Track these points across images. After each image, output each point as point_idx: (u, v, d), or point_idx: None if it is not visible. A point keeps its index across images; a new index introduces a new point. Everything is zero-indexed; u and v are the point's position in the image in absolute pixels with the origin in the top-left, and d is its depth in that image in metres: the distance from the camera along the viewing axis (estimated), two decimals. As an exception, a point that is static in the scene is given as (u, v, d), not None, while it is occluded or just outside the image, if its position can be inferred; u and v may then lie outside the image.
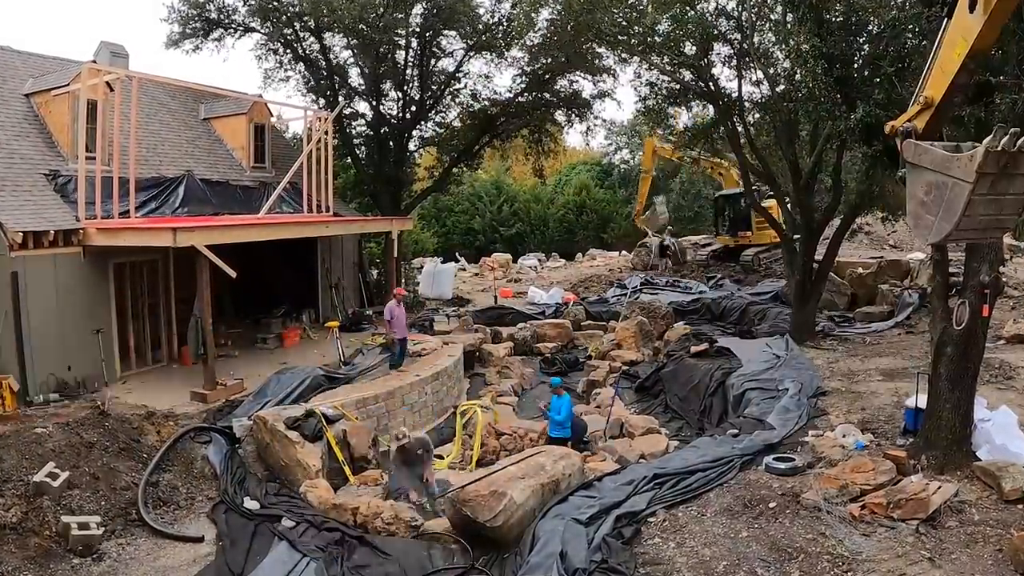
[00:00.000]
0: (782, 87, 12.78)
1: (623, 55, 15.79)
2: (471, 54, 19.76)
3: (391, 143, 20.67)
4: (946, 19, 5.22)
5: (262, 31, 18.85)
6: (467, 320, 17.07)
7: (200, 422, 9.97)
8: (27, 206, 10.80)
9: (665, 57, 13.83)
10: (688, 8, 13.00)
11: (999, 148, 4.26)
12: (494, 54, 19.64)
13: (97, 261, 11.38)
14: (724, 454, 8.22)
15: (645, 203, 27.09)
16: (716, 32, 13.31)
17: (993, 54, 10.65)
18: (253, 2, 17.89)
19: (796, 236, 14.22)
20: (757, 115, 14.96)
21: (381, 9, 17.06)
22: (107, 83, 12.16)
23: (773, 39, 13.23)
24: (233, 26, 18.61)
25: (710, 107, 15.50)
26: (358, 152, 21.34)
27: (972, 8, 4.72)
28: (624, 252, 30.21)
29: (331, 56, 19.58)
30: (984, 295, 7.34)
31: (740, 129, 14.59)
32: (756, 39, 13.31)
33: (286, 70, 19.91)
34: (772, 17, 13.04)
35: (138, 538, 7.53)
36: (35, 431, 8.40)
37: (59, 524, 7.10)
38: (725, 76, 15.99)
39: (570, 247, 35.76)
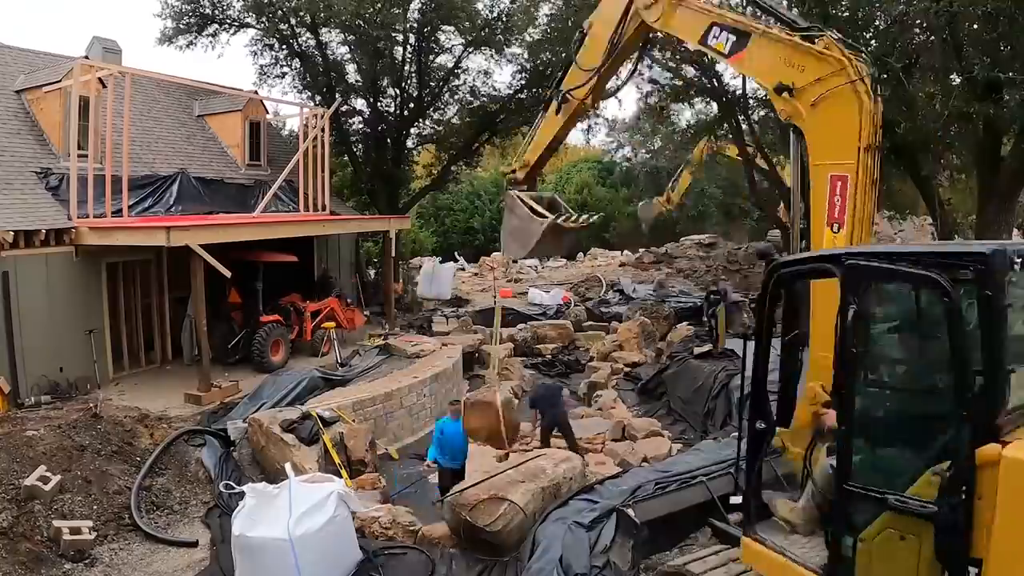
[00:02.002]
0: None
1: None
2: (470, 50, 19.56)
3: (389, 141, 20.49)
4: (542, 111, 7.59)
5: (257, 26, 18.65)
6: (466, 321, 16.91)
7: (194, 425, 9.85)
8: (18, 205, 10.67)
9: (668, 53, 13.66)
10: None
11: (556, 223, 7.24)
12: (493, 50, 19.45)
13: (89, 261, 11.24)
14: (728, 457, 8.07)
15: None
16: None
17: (1001, 50, 10.57)
18: (248, -3, 17.74)
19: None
20: (762, 112, 14.81)
21: (379, 4, 16.86)
22: (100, 79, 12.00)
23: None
24: (228, 21, 18.41)
25: (713, 104, 15.36)
26: (355, 150, 21.15)
27: (558, 112, 7.28)
28: (626, 252, 30.04)
29: (328, 52, 19.37)
30: None
31: (744, 126, 14.43)
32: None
33: (282, 66, 19.72)
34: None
35: (131, 543, 7.41)
36: (26, 434, 8.25)
37: (51, 529, 6.98)
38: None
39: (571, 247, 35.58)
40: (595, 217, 9.00)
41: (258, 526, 6.19)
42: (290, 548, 6.04)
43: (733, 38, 5.70)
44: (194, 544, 7.51)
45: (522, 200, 7.60)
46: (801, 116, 5.08)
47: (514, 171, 7.83)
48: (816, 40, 5.15)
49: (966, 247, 3.91)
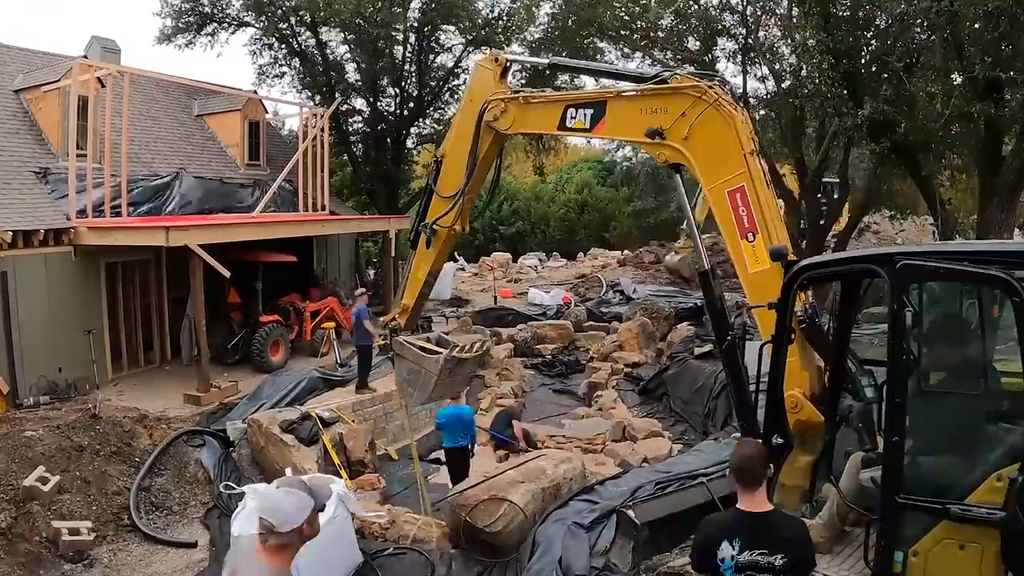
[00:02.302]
0: (788, 83, 12.60)
1: (626, 50, 15.62)
2: (470, 49, 19.52)
3: (389, 140, 20.45)
4: (412, 250, 7.45)
5: (257, 25, 18.63)
6: (466, 321, 16.87)
7: (193, 425, 9.82)
8: (16, 205, 10.64)
9: (669, 52, 13.65)
10: (692, 2, 12.83)
11: (452, 356, 6.83)
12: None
13: (88, 261, 11.20)
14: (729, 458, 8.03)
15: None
16: (720, 27, 13.15)
17: (1003, 49, 10.54)
18: (248, -4, 17.70)
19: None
20: (762, 112, 14.80)
21: (379, 3, 16.82)
22: (98, 79, 11.97)
23: (778, 34, 13.07)
24: (227, 20, 18.38)
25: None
26: (355, 150, 21.11)
27: (428, 246, 7.10)
28: (626, 251, 30.00)
29: (327, 51, 19.35)
30: None
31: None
32: (761, 34, 13.15)
33: (281, 66, 19.70)
34: (777, 11, 12.87)
35: (130, 544, 7.39)
36: (25, 434, 8.22)
37: (49, 529, 6.96)
38: (730, 72, 15.90)
39: (571, 246, 35.53)
40: (486, 344, 8.74)
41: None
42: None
43: (590, 111, 5.73)
44: (193, 545, 7.49)
45: (410, 343, 7.26)
46: (679, 153, 5.12)
47: (394, 319, 7.65)
48: (669, 80, 5.24)
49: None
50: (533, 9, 18.01)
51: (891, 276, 3.45)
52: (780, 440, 4.15)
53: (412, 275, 7.53)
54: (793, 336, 4.18)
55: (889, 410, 3.55)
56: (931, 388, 3.75)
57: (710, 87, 4.99)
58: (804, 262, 4.28)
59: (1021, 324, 3.12)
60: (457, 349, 7.07)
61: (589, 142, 41.80)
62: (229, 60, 69.94)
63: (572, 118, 5.86)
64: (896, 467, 3.41)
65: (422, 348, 7.20)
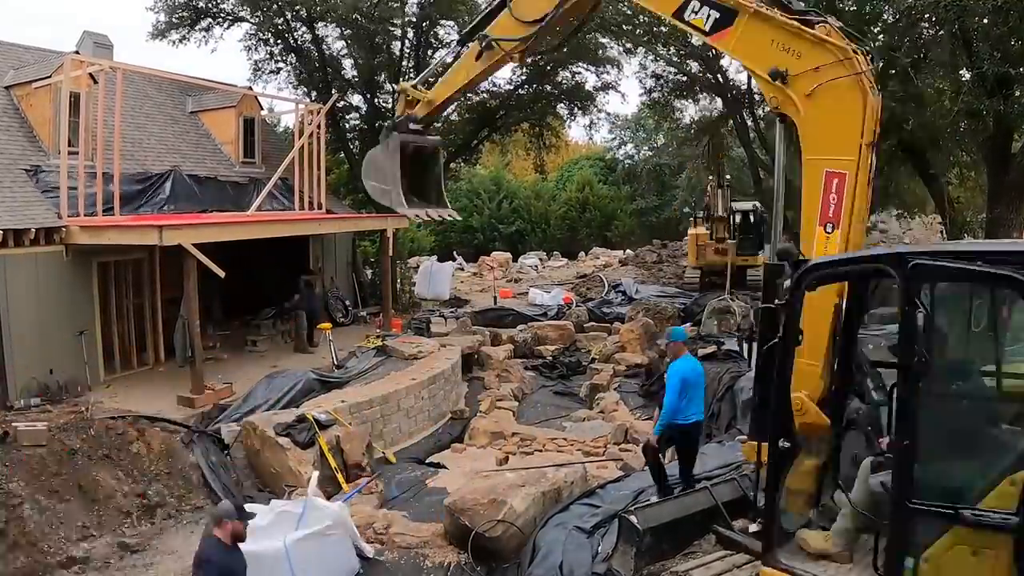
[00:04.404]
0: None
1: (628, 45, 15.41)
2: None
3: (387, 138, 20.23)
4: (461, 48, 6.98)
5: (252, 20, 18.40)
6: (465, 322, 16.70)
7: (187, 427, 9.62)
8: (7, 203, 10.48)
9: (672, 47, 13.44)
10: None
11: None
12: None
13: (80, 260, 11.04)
14: (733, 460, 7.89)
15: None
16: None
17: (1012, 45, 10.37)
18: (243, -11, 17.49)
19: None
20: (767, 108, 14.57)
21: (376, -2, 16.63)
22: (91, 75, 11.78)
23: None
24: (222, 15, 18.17)
25: (718, 100, 15.15)
26: (352, 147, 20.91)
27: (478, 58, 6.61)
28: (628, 251, 29.85)
29: (324, 47, 19.13)
30: None
31: (750, 123, 14.21)
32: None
33: (277, 61, 19.49)
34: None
35: (125, 550, 7.28)
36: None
37: (40, 534, 6.82)
38: (734, 67, 15.68)
39: (572, 245, 35.36)
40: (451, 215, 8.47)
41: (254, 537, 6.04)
42: (285, 556, 6.01)
43: (716, 15, 5.11)
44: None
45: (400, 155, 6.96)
46: (795, 107, 4.69)
47: (414, 101, 6.93)
48: (815, 25, 4.74)
49: None
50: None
51: (903, 277, 3.36)
52: (787, 444, 4.02)
53: (451, 77, 7.08)
54: (801, 337, 4.03)
55: (899, 413, 3.48)
56: (942, 390, 3.66)
57: (857, 53, 4.54)
58: (813, 262, 4.13)
59: None
60: (427, 211, 7.40)
61: (591, 138, 41.66)
62: (224, 56, 69.50)
63: (694, 12, 5.25)
64: (906, 471, 3.35)
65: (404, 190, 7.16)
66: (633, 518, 5.89)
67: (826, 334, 4.57)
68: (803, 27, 4.78)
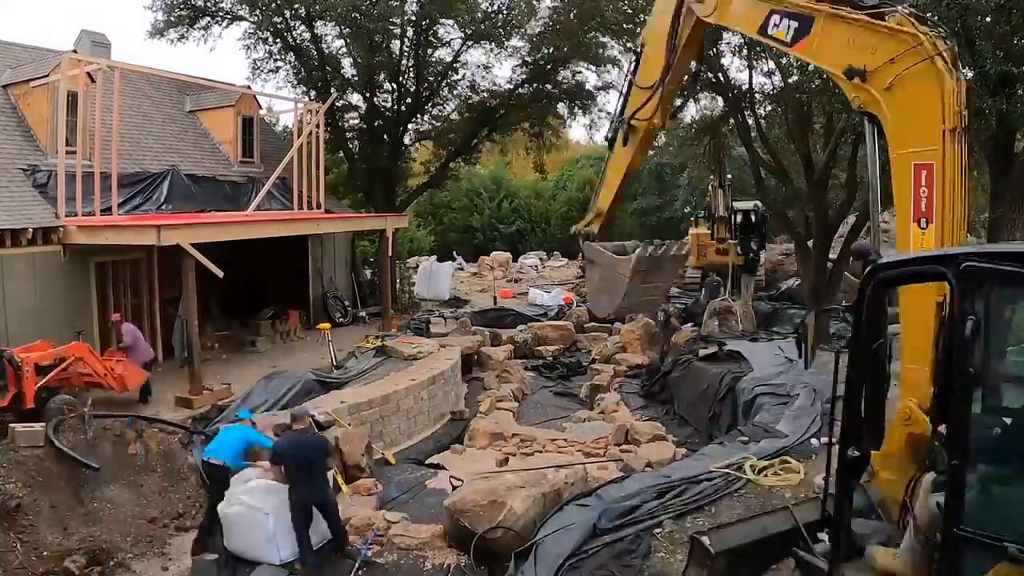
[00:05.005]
0: (795, 78, 12.34)
1: (629, 44, 15.34)
2: (469, 43, 19.24)
3: (386, 137, 20.18)
4: (609, 152, 7.37)
5: (251, 19, 18.31)
6: (465, 322, 16.64)
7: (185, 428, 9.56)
8: (4, 202, 10.49)
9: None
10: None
11: (647, 255, 6.78)
12: (493, 43, 19.12)
13: (78, 260, 11.02)
14: (734, 462, 7.85)
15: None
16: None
17: (1015, 44, 10.29)
18: (242, -12, 17.41)
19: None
20: (768, 107, 14.56)
21: (376, -3, 16.55)
22: (88, 74, 11.74)
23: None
24: (220, 14, 18.07)
25: (719, 99, 15.09)
26: (351, 146, 20.84)
27: (625, 143, 7.02)
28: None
29: (323, 46, 19.04)
30: None
31: (751, 122, 14.16)
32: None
33: (275, 60, 19.38)
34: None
35: (124, 550, 7.15)
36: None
37: (37, 537, 6.74)
38: (735, 66, 15.57)
39: (573, 245, 35.22)
40: (685, 248, 8.44)
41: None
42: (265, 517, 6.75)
43: (795, 24, 5.28)
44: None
45: (601, 248, 7.37)
46: (876, 102, 4.66)
47: (588, 224, 7.55)
48: (887, 17, 4.72)
49: None
50: (534, 2, 17.72)
51: (954, 279, 3.12)
52: (856, 453, 3.72)
53: (608, 179, 7.51)
54: (881, 342, 3.72)
55: (950, 430, 3.21)
56: (997, 406, 3.40)
57: (928, 36, 4.47)
58: (878, 263, 3.88)
59: None
60: (652, 248, 7.23)
61: (591, 138, 41.48)
62: (222, 55, 69.45)
63: (775, 26, 5.48)
64: (957, 495, 3.07)
65: (616, 253, 7.33)
66: (706, 539, 5.43)
67: (928, 337, 4.29)
68: (875, 21, 4.73)
